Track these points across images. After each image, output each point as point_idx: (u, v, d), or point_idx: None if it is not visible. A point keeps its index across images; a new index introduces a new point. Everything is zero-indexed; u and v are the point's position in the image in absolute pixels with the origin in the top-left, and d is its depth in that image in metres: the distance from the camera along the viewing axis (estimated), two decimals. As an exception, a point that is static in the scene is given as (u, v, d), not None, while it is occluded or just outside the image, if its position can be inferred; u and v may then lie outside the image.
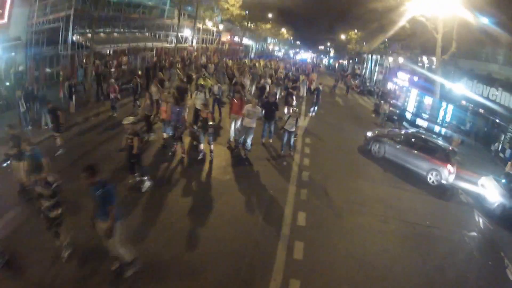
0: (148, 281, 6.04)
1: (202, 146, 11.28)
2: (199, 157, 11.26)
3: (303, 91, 26.25)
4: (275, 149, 13.43)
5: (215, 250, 7.10)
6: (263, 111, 13.16)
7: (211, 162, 11.37)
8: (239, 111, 12.65)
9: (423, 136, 14.69)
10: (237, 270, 6.60)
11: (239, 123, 12.92)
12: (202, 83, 15.91)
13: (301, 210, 9.21)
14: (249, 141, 12.01)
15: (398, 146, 14.44)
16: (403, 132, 16.34)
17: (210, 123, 11.08)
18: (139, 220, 7.73)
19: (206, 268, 6.54)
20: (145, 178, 8.98)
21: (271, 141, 13.98)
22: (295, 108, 12.69)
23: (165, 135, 12.34)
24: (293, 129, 12.51)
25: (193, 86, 16.33)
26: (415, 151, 13.84)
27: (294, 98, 21.35)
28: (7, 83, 14.64)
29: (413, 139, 14.54)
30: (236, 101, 13.11)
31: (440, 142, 14.48)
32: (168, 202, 8.72)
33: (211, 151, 11.49)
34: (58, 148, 10.70)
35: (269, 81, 21.38)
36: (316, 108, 21.78)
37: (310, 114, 21.46)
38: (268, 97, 14.68)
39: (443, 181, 12.82)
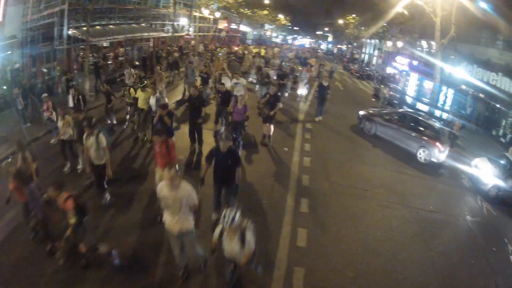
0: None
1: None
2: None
3: (302, 87, 20.26)
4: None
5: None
6: (214, 167, 6.89)
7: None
8: (166, 162, 6.70)
9: (413, 115, 14.78)
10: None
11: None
12: (130, 99, 11.37)
13: (303, 197, 9.12)
14: (200, 251, 5.96)
15: (388, 124, 14.65)
16: (394, 111, 16.48)
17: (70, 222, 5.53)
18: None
19: (209, 258, 6.13)
20: None
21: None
22: (234, 215, 4.85)
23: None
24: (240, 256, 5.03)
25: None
26: (405, 129, 13.97)
27: (279, 104, 12.33)
28: (4, 82, 14.53)
29: (403, 118, 14.62)
30: (159, 146, 7.17)
31: (430, 121, 14.53)
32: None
33: (86, 257, 5.89)
34: None
35: (242, 80, 13.74)
36: (322, 110, 16.73)
37: (317, 118, 16.69)
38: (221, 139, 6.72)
39: (433, 159, 12.92)
